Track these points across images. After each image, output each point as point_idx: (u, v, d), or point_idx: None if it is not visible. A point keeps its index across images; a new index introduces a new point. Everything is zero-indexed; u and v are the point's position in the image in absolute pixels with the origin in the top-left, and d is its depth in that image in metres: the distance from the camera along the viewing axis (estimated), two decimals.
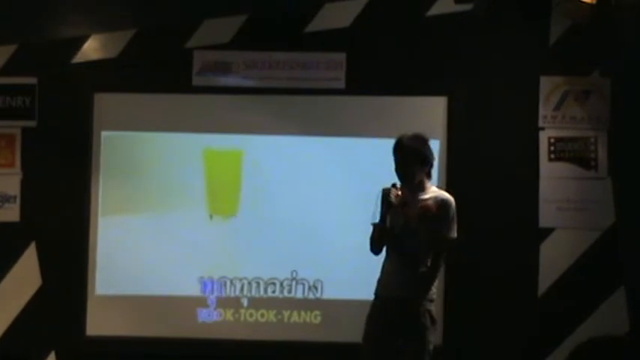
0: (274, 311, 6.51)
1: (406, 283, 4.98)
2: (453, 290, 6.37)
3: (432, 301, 5.04)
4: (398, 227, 4.99)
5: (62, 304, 6.50)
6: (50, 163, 6.57)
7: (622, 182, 6.32)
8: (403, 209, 4.99)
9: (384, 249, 5.09)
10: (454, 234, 5.04)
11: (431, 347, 5.03)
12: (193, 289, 6.51)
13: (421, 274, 4.98)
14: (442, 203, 5.02)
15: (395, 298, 5.00)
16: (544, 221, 6.40)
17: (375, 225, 5.02)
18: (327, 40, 6.54)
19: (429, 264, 4.99)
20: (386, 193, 4.93)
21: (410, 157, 4.98)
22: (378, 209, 4.99)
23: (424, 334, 5.00)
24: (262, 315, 6.48)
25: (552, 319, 6.32)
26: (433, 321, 5.02)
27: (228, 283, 6.52)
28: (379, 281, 5.16)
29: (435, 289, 5.05)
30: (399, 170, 5.01)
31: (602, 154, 6.36)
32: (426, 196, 5.02)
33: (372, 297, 5.05)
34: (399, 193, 4.92)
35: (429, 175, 5.08)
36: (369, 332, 5.06)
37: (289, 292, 6.50)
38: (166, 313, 6.52)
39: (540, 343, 6.31)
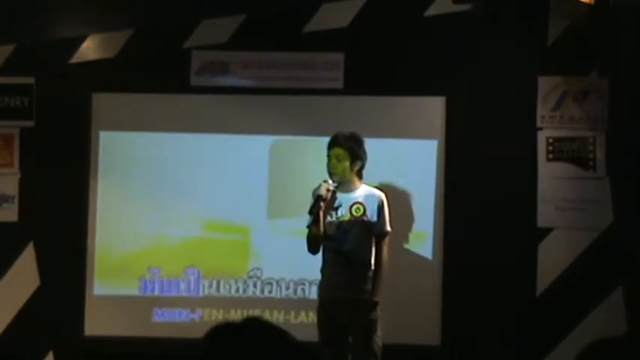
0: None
1: (346, 283, 5.11)
2: (451, 290, 6.38)
3: (376, 303, 5.17)
4: (332, 228, 5.12)
5: (60, 304, 6.49)
6: (48, 163, 6.56)
7: (620, 182, 6.33)
8: (336, 210, 5.16)
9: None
10: (388, 227, 5.23)
11: (376, 348, 5.14)
12: (195, 289, 6.51)
13: (363, 273, 5.12)
14: (373, 200, 5.20)
15: (338, 299, 5.13)
16: (542, 221, 6.40)
17: (309, 227, 5.17)
18: (325, 40, 6.53)
19: (365, 261, 5.13)
20: (316, 188, 5.09)
21: (341, 155, 5.15)
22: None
23: (369, 335, 5.11)
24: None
25: (550, 319, 6.32)
26: (375, 325, 5.15)
27: (232, 283, 6.51)
28: (320, 285, 5.28)
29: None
30: (329, 167, 5.17)
31: (600, 154, 6.36)
32: (357, 195, 5.18)
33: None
34: (330, 187, 5.08)
35: (359, 175, 5.25)
36: (323, 335, 5.17)
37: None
38: (166, 313, 6.52)
39: (538, 342, 6.31)
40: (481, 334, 6.29)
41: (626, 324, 6.24)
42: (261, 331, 2.31)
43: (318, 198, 5.10)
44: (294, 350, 2.31)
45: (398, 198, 6.34)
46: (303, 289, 6.44)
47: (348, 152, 5.23)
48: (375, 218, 5.27)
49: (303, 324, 6.27)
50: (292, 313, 6.45)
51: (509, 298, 6.32)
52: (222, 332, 2.31)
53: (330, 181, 5.21)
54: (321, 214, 5.14)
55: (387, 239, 5.32)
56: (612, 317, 6.25)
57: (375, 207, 5.27)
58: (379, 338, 5.21)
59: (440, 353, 6.40)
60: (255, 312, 6.42)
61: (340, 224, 5.22)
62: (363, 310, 5.16)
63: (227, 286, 6.50)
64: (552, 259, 6.38)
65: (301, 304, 6.40)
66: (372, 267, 5.27)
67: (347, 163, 5.23)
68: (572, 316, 6.31)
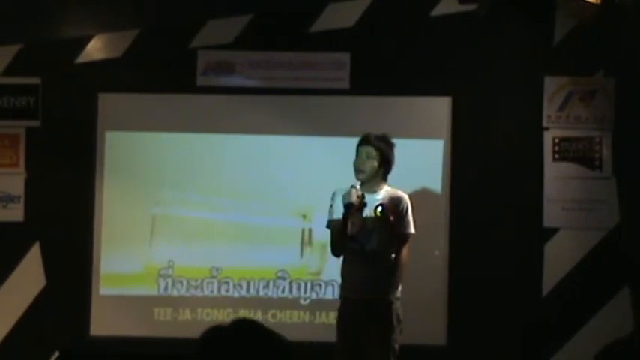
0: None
1: (369, 283, 5.09)
2: (457, 290, 6.38)
3: (397, 299, 5.13)
4: (355, 228, 5.07)
5: (66, 304, 6.49)
6: (54, 164, 6.56)
7: (625, 182, 6.32)
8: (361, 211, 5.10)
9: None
10: (412, 229, 5.18)
11: (396, 346, 5.12)
12: (201, 289, 6.51)
13: (386, 273, 5.08)
14: (398, 201, 5.15)
15: (360, 299, 5.09)
16: (548, 221, 6.40)
17: (333, 223, 5.12)
18: (332, 40, 6.53)
19: (388, 262, 5.09)
20: (346, 194, 5.03)
21: (372, 153, 5.11)
22: (334, 211, 5.11)
23: (389, 333, 5.08)
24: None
25: (557, 319, 6.32)
26: (399, 320, 5.11)
27: (240, 282, 6.51)
28: (342, 284, 5.26)
29: (400, 288, 5.13)
30: (357, 163, 5.12)
31: (606, 154, 6.36)
32: (381, 196, 5.14)
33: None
34: (359, 194, 5.02)
35: (385, 177, 5.20)
36: (341, 335, 5.14)
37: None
38: (172, 313, 6.52)
39: (544, 343, 6.31)
40: (487, 334, 6.28)
41: (633, 324, 6.24)
42: (248, 331, 2.34)
43: (348, 206, 5.03)
44: (282, 349, 2.34)
45: None
46: (317, 290, 6.45)
47: (378, 152, 5.16)
48: (399, 219, 5.20)
49: (314, 324, 6.29)
50: (307, 313, 6.46)
51: (515, 298, 6.32)
52: (212, 334, 2.34)
53: (359, 186, 5.12)
54: (350, 223, 5.07)
55: (408, 241, 5.26)
56: (618, 317, 6.24)
57: (397, 208, 5.20)
58: (396, 342, 5.16)
59: (446, 353, 6.40)
60: (258, 313, 6.44)
61: (364, 225, 5.15)
62: (384, 309, 5.12)
63: (234, 286, 6.51)
64: (558, 259, 6.39)
65: (317, 305, 6.41)
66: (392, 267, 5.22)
67: (375, 163, 5.16)
68: (578, 316, 6.31)
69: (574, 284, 6.34)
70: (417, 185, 6.42)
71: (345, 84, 6.53)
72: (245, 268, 6.52)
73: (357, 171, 5.15)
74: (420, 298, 6.35)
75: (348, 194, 5.05)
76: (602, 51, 6.29)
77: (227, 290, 6.51)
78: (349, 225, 5.07)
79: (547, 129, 6.44)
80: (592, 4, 5.73)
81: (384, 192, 5.21)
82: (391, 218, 5.14)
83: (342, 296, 5.32)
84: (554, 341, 6.31)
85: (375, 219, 5.13)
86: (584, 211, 6.36)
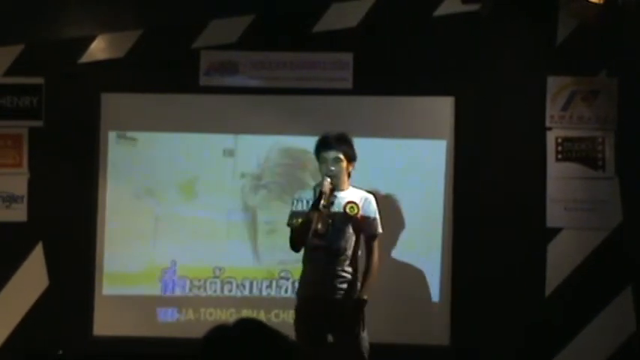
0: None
1: (334, 281, 5.09)
2: (460, 290, 6.37)
3: (365, 300, 5.13)
4: (324, 226, 5.08)
5: (69, 304, 6.49)
6: (57, 163, 6.55)
7: (628, 182, 6.33)
8: (328, 208, 5.11)
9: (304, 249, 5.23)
10: (379, 229, 5.20)
11: (367, 345, 5.11)
12: (204, 289, 6.51)
13: (350, 272, 5.10)
14: (365, 201, 5.18)
15: (321, 297, 5.09)
16: (551, 221, 6.39)
17: (297, 217, 5.13)
18: (334, 40, 6.53)
19: (352, 260, 5.09)
20: (317, 184, 5.06)
21: (338, 158, 5.13)
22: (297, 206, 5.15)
23: (357, 334, 5.08)
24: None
25: (560, 319, 6.31)
26: (364, 321, 5.12)
27: (243, 283, 6.51)
28: (301, 282, 5.25)
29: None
30: (325, 168, 5.14)
31: (609, 154, 6.36)
32: (349, 195, 5.16)
33: None
34: (331, 185, 5.05)
35: (349, 175, 5.22)
36: (300, 332, 5.13)
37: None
38: (175, 313, 6.52)
39: (547, 342, 6.31)
40: (490, 334, 6.28)
41: (636, 324, 6.24)
42: (252, 331, 2.34)
43: (321, 194, 5.07)
44: (286, 350, 2.34)
45: (406, 198, 6.36)
46: None
47: (344, 155, 5.18)
48: (368, 219, 5.23)
49: None
50: None
51: (518, 298, 6.31)
52: (216, 334, 2.34)
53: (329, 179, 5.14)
54: (320, 222, 5.09)
55: (377, 241, 5.27)
56: (621, 317, 6.25)
57: (368, 208, 5.22)
58: (365, 340, 5.16)
59: (449, 353, 6.40)
60: (261, 313, 6.44)
61: (333, 222, 5.15)
62: (351, 309, 5.12)
63: (237, 286, 6.51)
64: (561, 259, 6.38)
65: None
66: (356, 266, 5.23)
67: (344, 165, 5.18)
68: (581, 316, 6.31)
69: (577, 284, 6.34)
70: (420, 185, 6.43)
71: (348, 84, 6.53)
72: (248, 268, 6.52)
73: (329, 176, 5.11)
74: (423, 299, 6.37)
75: (319, 184, 5.10)
76: (605, 51, 6.29)
77: (230, 290, 6.52)
78: (319, 224, 5.07)
79: (550, 129, 6.44)
80: (595, 4, 5.73)
81: (351, 191, 5.23)
82: (360, 216, 5.15)
83: (302, 295, 5.30)
84: (558, 341, 6.30)
85: (345, 216, 5.13)
86: (587, 211, 6.36)
